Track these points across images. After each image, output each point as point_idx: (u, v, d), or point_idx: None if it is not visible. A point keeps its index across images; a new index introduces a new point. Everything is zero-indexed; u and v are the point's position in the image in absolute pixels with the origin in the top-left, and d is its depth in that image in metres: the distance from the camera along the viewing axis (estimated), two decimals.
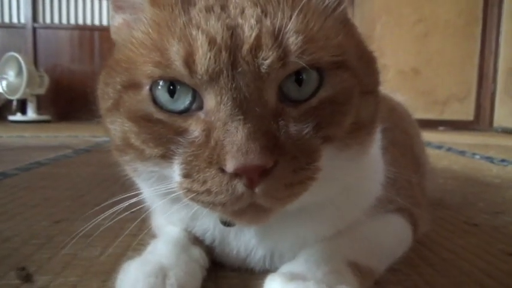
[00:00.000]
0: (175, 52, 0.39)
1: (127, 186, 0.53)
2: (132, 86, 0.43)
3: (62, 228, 0.78)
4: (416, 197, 0.68)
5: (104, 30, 4.84)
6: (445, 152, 2.23)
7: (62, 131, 3.22)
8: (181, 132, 0.41)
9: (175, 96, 0.41)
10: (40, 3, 4.81)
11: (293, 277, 0.43)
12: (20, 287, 0.53)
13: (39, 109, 4.60)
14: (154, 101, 0.42)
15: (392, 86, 5.19)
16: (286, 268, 0.47)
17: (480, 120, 4.58)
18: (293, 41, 0.39)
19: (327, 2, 0.45)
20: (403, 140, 0.82)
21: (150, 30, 0.43)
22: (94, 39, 4.89)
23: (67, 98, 4.80)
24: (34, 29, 4.78)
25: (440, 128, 4.40)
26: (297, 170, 0.39)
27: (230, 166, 0.36)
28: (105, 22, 4.92)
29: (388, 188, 0.58)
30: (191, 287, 0.48)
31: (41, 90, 4.56)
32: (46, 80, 4.59)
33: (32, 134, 2.96)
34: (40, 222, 0.82)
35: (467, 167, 1.75)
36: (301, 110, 0.41)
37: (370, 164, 0.55)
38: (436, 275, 0.59)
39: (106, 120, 0.48)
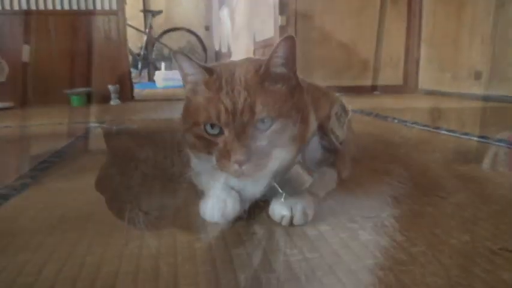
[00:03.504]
0: (213, 114, 0.88)
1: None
2: (196, 124, 0.92)
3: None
4: (340, 155, 1.23)
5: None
6: (372, 119, 2.81)
7: (41, 117, 3.29)
8: (215, 143, 0.90)
9: (214, 129, 0.90)
10: None
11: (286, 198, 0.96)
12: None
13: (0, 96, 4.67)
14: (205, 130, 0.91)
15: (336, 57, 5.62)
16: (279, 196, 0.98)
17: (408, 84, 5.36)
18: (259, 108, 0.83)
19: (277, 85, 0.87)
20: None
21: (203, 98, 0.92)
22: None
23: (28, 84, 4.91)
24: None
25: (376, 92, 5.12)
26: (259, 160, 0.83)
27: (233, 159, 0.83)
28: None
29: (323, 153, 1.12)
30: (238, 209, 0.97)
31: (1, 78, 4.65)
32: (5, 66, 4.66)
33: (19, 124, 3.09)
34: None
35: (387, 130, 2.33)
36: (263, 135, 0.84)
37: (309, 146, 1.06)
38: (350, 195, 1.15)
39: (185, 133, 0.97)
